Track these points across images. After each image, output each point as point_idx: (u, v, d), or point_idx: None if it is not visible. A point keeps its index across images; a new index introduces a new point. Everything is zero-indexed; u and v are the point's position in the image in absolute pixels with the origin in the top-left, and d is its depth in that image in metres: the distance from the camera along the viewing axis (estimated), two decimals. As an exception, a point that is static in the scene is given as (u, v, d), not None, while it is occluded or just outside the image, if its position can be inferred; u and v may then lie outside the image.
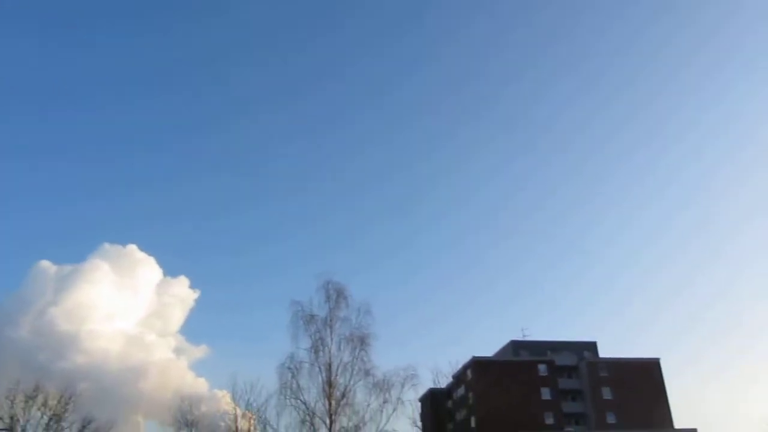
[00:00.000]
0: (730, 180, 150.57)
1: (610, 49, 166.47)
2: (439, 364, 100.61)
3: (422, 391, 79.52)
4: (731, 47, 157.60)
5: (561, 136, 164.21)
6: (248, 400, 59.84)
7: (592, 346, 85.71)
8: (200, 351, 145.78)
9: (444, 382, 77.86)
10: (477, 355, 78.70)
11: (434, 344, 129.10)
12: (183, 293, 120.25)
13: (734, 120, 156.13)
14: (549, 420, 73.89)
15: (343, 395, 38.25)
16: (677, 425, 70.46)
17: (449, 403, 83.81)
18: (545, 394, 76.04)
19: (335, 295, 40.84)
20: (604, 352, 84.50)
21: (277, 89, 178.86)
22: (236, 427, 60.16)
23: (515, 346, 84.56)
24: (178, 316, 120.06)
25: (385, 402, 38.71)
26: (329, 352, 39.10)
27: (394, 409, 39.08)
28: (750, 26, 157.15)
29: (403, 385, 39.63)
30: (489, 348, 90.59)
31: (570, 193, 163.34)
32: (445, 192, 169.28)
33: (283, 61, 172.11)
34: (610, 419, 73.95)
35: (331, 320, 40.06)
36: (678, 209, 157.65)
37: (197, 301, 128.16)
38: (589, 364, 79.11)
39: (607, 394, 76.29)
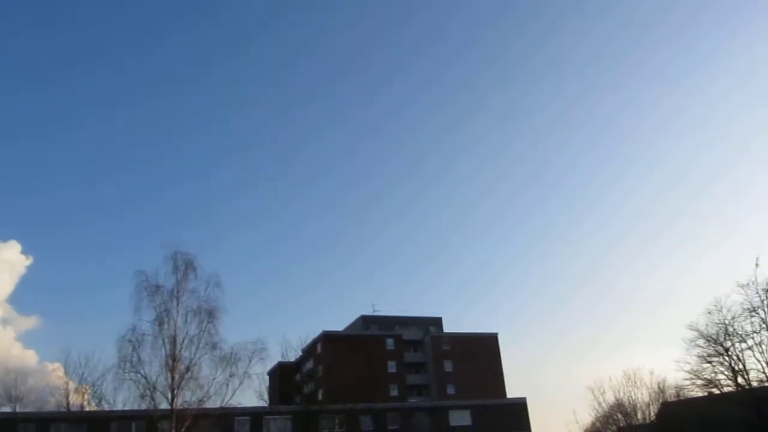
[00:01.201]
0: (563, 168, 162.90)
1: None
2: (289, 338, 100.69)
3: (271, 365, 79.35)
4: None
5: (409, 122, 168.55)
6: (82, 374, 56.31)
7: (437, 322, 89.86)
8: (30, 322, 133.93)
9: (294, 356, 77.98)
10: (328, 329, 79.58)
11: (287, 319, 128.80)
12: (13, 258, 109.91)
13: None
14: (394, 392, 76.66)
15: (188, 369, 36.79)
16: (511, 395, 75.84)
17: (298, 377, 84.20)
18: (391, 367, 78.75)
19: (183, 266, 38.86)
20: (448, 327, 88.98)
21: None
22: (67, 402, 56.36)
23: (365, 320, 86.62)
24: (5, 284, 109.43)
25: (231, 376, 37.79)
26: (175, 324, 37.34)
27: (241, 383, 38.27)
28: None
29: (251, 359, 38.87)
30: (341, 323, 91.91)
31: (421, 178, 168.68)
32: (304, 166, 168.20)
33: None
34: (450, 390, 78.12)
35: (178, 292, 38.15)
36: (519, 190, 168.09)
37: (30, 269, 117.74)
38: (433, 339, 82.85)
39: (448, 366, 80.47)
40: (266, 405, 65.12)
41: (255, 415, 58.04)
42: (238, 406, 45.36)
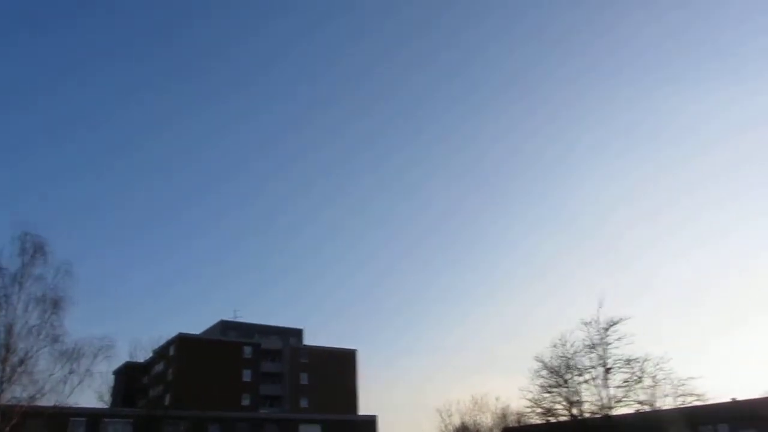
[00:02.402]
0: (448, 178, 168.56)
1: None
2: (140, 338, 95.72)
3: (119, 364, 74.91)
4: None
5: (312, 135, 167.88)
6: None
7: (298, 333, 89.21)
8: None
9: (143, 357, 74.21)
10: (185, 332, 76.54)
11: (142, 318, 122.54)
12: None
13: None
14: (246, 401, 74.89)
15: (22, 362, 33.71)
16: (363, 412, 76.55)
17: (145, 379, 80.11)
18: (246, 375, 76.99)
19: (32, 249, 35.81)
20: (309, 340, 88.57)
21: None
22: None
23: (225, 326, 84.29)
24: None
25: (71, 372, 35.06)
26: (14, 311, 34.23)
27: (81, 381, 35.56)
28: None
29: (95, 356, 36.24)
30: (200, 327, 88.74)
31: (291, 181, 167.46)
32: (163, 146, 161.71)
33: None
34: (304, 403, 77.64)
35: (22, 276, 35.06)
36: (396, 201, 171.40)
37: None
38: (292, 350, 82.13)
39: (304, 379, 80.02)
40: (106, 407, 61.34)
41: (92, 416, 54.49)
42: (75, 405, 42.27)
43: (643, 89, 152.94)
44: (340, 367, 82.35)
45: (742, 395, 72.81)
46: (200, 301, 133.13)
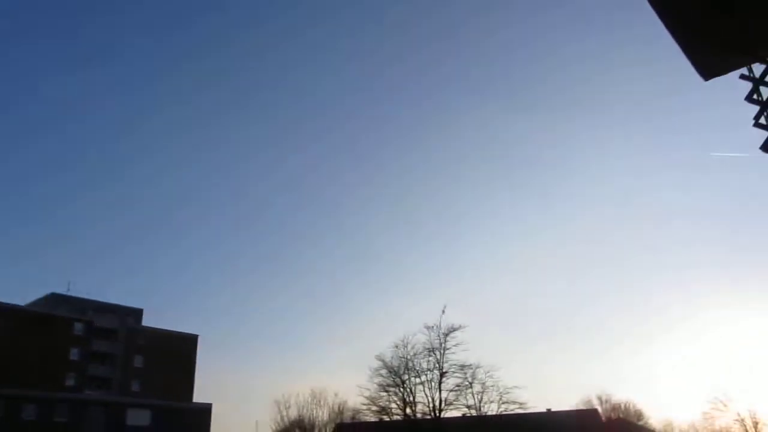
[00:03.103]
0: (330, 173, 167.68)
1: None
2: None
3: None
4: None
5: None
6: None
7: (137, 313, 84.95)
8: None
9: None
10: (6, 302, 70.16)
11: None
12: None
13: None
14: (70, 381, 70.10)
15: None
16: (200, 399, 74.53)
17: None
18: (74, 354, 72.11)
19: None
20: (149, 322, 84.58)
21: None
22: None
23: (55, 299, 78.29)
24: None
25: None
26: None
27: None
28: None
29: None
30: (25, 297, 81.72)
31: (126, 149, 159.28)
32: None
33: None
34: (136, 387, 74.08)
35: None
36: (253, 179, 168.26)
37: None
38: (129, 330, 78.15)
39: (138, 362, 76.36)
40: None
41: None
42: None
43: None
44: (179, 352, 79.51)
45: (555, 407, 79.93)
46: (28, 270, 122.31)
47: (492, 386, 53.76)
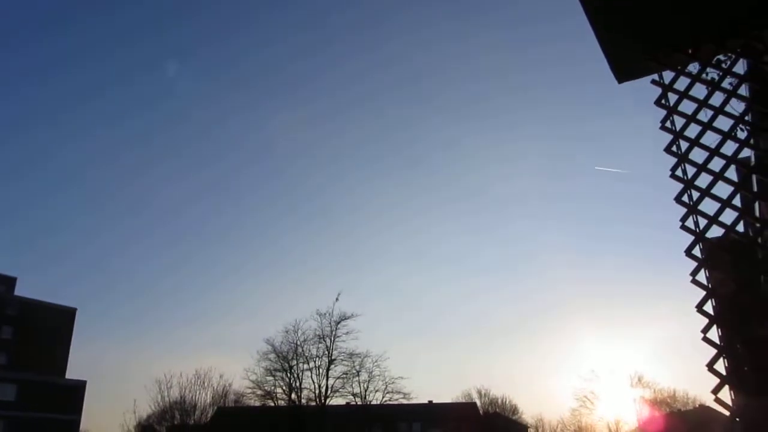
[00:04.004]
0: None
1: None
2: None
3: None
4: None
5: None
6: None
7: (10, 281, 79.04)
8: None
9: None
10: None
11: None
12: None
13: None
14: (-76, 349, 64.36)
15: None
16: (74, 376, 70.38)
17: None
18: None
19: None
20: (23, 291, 78.86)
21: None
22: None
23: None
24: None
25: None
26: None
27: None
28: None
29: None
30: None
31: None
32: None
33: None
34: (2, 359, 68.94)
35: None
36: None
37: None
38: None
39: (7, 333, 71.09)
40: None
41: None
42: None
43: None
44: (54, 325, 74.67)
45: (437, 399, 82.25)
46: None
47: (378, 375, 54.52)
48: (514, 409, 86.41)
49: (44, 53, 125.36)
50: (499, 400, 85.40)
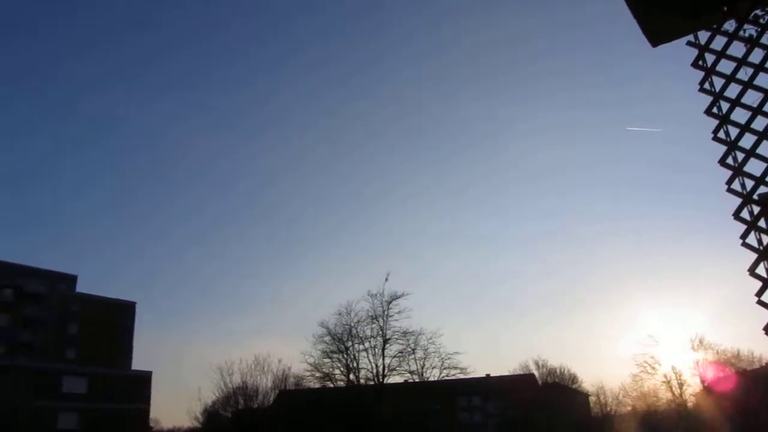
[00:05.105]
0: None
1: None
2: None
3: None
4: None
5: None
6: None
7: (71, 279, 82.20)
8: None
9: None
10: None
11: None
12: None
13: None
14: (1, 349, 67.58)
15: None
16: (140, 367, 72.99)
17: None
18: (3, 320, 69.37)
19: None
20: (85, 289, 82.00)
21: None
22: None
23: (-21, 262, 74.84)
24: None
25: None
26: None
27: None
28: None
29: None
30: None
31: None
32: None
33: None
34: (71, 354, 71.91)
35: None
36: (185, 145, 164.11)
37: None
38: (62, 297, 75.57)
39: (73, 329, 74.06)
40: None
41: None
42: None
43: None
44: (116, 319, 77.42)
45: (494, 372, 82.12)
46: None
47: (434, 352, 54.61)
48: (573, 378, 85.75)
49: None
50: (558, 370, 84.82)
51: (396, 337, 54.22)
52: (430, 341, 54.51)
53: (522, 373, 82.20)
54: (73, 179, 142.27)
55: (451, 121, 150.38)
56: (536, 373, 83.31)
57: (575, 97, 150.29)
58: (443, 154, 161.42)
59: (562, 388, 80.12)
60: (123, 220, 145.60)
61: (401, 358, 54.26)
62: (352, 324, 54.50)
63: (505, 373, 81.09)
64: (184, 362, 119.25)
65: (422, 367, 54.39)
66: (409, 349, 54.56)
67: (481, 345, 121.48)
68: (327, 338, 54.75)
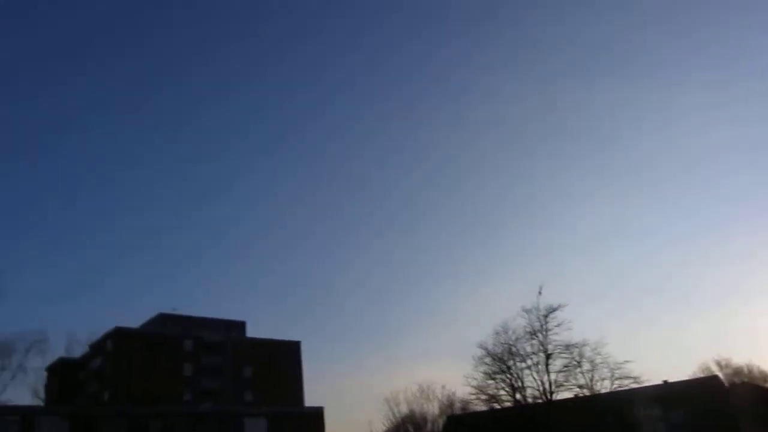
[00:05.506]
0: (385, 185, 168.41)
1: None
2: (76, 333, 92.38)
3: (53, 360, 72.18)
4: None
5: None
6: None
7: (240, 326, 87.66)
8: None
9: (80, 352, 71.65)
10: (122, 325, 74.17)
11: (77, 312, 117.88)
12: None
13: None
14: (187, 396, 73.33)
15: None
16: (310, 404, 76.11)
17: (82, 375, 77.27)
18: (187, 369, 75.31)
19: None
20: (252, 332, 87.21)
21: None
22: None
23: (164, 319, 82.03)
24: None
25: (2, 369, 33.73)
26: (-60, 308, 32.51)
27: (13, 377, 34.29)
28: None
29: (28, 351, 35.06)
30: (138, 320, 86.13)
31: (232, 172, 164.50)
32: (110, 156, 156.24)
33: None
34: (248, 397, 76.50)
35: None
36: (340, 198, 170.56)
37: None
38: (234, 343, 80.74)
39: (248, 372, 78.78)
40: (41, 404, 59.01)
41: (26, 414, 52.19)
42: (7, 403, 40.57)
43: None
44: (284, 359, 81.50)
45: (672, 377, 76.07)
46: (137, 294, 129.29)
47: (602, 363, 51.75)
48: (765, 376, 77.55)
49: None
50: (745, 369, 77.19)
51: (558, 351, 52.06)
52: (596, 352, 51.74)
53: (703, 375, 75.58)
54: (241, 238, 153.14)
55: (621, 115, 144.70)
56: (720, 375, 76.21)
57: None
58: (587, 146, 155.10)
59: (755, 389, 72.59)
60: (275, 263, 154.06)
61: (567, 373, 51.92)
62: (511, 342, 53.18)
63: (683, 377, 74.97)
64: (353, 395, 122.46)
65: (591, 380, 51.68)
66: (575, 363, 52.12)
67: (651, 349, 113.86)
68: (487, 359, 53.81)
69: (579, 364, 52.16)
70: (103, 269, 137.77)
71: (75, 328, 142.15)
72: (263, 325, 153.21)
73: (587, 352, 51.95)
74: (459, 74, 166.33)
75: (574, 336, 52.67)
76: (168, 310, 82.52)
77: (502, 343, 53.35)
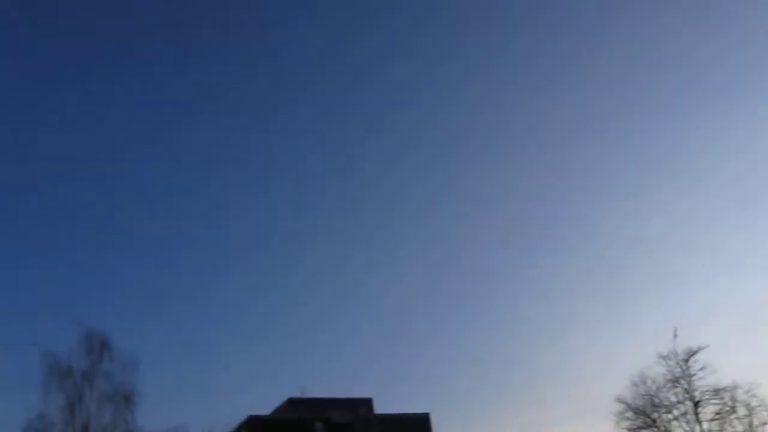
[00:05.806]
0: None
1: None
2: (213, 424, 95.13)
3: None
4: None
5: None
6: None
7: (368, 402, 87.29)
8: None
9: (217, 442, 73.46)
10: (254, 413, 75.87)
11: (210, 402, 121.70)
12: None
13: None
14: (325, 479, 73.20)
15: (100, 460, 34.07)
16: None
17: (222, 465, 79.17)
18: (318, 452, 75.40)
19: (99, 346, 36.61)
20: (380, 408, 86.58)
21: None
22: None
23: (293, 403, 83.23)
24: None
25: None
26: (87, 411, 34.76)
27: (159, 473, 35.73)
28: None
29: (174, 447, 36.48)
30: (268, 406, 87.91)
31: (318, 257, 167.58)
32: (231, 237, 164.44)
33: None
34: (386, 476, 75.25)
35: (91, 375, 35.77)
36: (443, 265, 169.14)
37: None
38: (363, 421, 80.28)
39: (378, 450, 77.81)
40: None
41: None
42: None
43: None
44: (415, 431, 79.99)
45: None
46: (265, 380, 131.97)
47: (759, 406, 46.94)
48: None
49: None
50: None
51: (707, 397, 47.81)
52: (751, 394, 47.04)
53: None
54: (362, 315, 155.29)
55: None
56: None
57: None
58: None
59: None
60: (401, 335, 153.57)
61: (721, 421, 47.37)
62: (652, 393, 49.48)
63: None
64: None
65: (751, 426, 46.81)
66: (728, 408, 47.57)
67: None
68: (629, 413, 50.17)
69: (733, 410, 47.64)
70: (226, 358, 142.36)
71: (211, 418, 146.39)
72: (391, 400, 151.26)
73: (740, 395, 47.42)
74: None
75: (722, 379, 48.28)
76: (297, 394, 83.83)
77: (642, 394, 49.82)
